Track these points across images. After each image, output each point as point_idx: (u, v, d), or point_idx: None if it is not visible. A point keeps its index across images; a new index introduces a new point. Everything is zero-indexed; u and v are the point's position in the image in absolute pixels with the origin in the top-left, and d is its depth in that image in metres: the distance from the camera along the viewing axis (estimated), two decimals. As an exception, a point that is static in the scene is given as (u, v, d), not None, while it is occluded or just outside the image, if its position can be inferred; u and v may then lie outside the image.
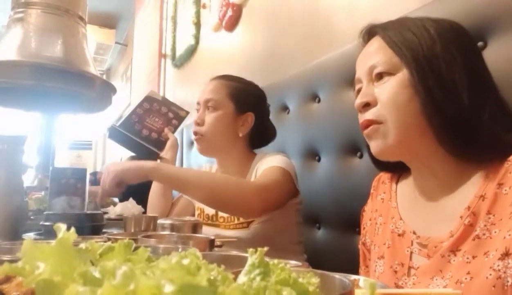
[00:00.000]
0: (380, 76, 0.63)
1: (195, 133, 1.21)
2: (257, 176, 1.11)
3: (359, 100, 0.65)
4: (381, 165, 0.74)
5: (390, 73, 0.62)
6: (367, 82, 0.66)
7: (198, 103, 1.23)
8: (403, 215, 0.69)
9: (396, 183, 0.74)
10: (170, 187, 1.03)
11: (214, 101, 1.18)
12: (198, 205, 1.28)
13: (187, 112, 1.53)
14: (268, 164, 1.10)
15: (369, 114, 0.64)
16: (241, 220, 1.13)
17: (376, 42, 0.66)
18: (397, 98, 0.61)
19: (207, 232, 1.15)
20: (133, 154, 1.55)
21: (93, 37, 5.48)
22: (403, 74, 0.61)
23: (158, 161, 1.41)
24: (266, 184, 1.02)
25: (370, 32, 0.69)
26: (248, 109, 1.21)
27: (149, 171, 1.00)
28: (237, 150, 1.22)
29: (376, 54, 0.64)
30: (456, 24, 0.63)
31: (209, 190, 1.00)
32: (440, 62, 0.59)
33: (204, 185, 1.01)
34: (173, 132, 1.45)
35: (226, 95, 1.19)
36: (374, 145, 0.64)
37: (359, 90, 0.67)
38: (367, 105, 0.64)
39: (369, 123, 0.64)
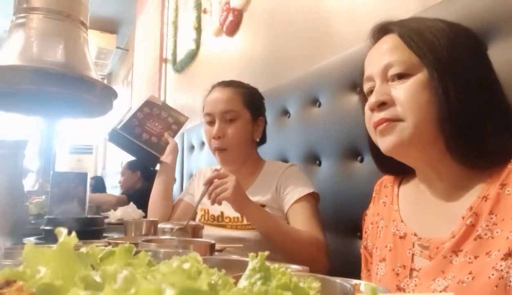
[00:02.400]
0: (397, 76, 0.62)
1: (220, 148, 1.19)
2: (281, 192, 1.13)
3: (374, 99, 0.63)
4: (384, 167, 0.74)
5: (408, 73, 0.61)
6: (381, 81, 0.64)
7: (209, 115, 1.20)
8: (405, 217, 0.69)
9: (398, 187, 0.74)
10: (255, 223, 1.05)
11: (234, 112, 1.18)
12: (201, 205, 1.28)
13: (187, 118, 1.54)
14: (299, 188, 1.11)
15: (387, 113, 0.62)
16: None
17: (391, 40, 0.64)
18: (417, 99, 0.60)
19: (213, 232, 1.15)
20: (132, 159, 1.55)
21: (94, 42, 5.51)
22: (423, 75, 0.60)
23: (158, 164, 1.41)
24: (321, 236, 1.06)
25: (384, 30, 0.67)
26: (260, 113, 1.24)
27: (249, 203, 1.02)
28: (251, 155, 1.25)
29: (392, 52, 0.63)
30: (467, 28, 0.63)
31: (291, 244, 1.02)
32: (459, 66, 0.59)
33: (286, 235, 1.03)
34: (173, 137, 1.45)
35: (242, 104, 1.19)
36: (387, 141, 0.63)
37: (370, 89, 0.66)
38: (382, 104, 0.63)
39: (385, 121, 0.62)
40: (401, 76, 0.61)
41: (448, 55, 0.59)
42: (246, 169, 1.24)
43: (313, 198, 1.12)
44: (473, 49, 0.61)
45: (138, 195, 2.64)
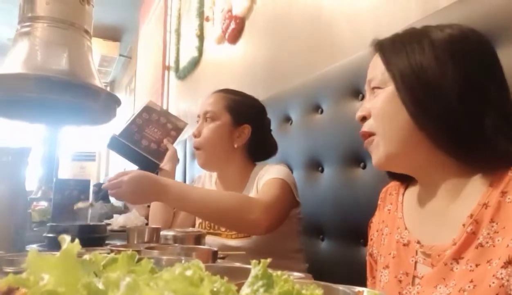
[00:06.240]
0: (374, 90, 0.66)
1: (194, 146, 1.25)
2: (259, 189, 1.12)
3: (357, 113, 0.69)
4: (390, 172, 0.75)
5: (380, 87, 0.65)
6: (368, 95, 0.69)
7: (198, 116, 1.26)
8: (408, 224, 0.69)
9: (403, 194, 0.75)
10: (177, 208, 1.05)
11: (212, 113, 1.21)
12: None
13: (186, 124, 1.52)
14: (268, 176, 1.11)
15: (365, 127, 0.67)
16: None
17: (377, 57, 0.68)
18: (384, 111, 0.64)
19: (209, 241, 1.15)
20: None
21: (98, 49, 5.54)
22: (390, 88, 0.63)
23: (158, 172, 1.40)
24: (271, 202, 1.03)
25: (374, 47, 0.71)
26: (245, 121, 1.22)
27: (157, 195, 1.01)
28: (235, 162, 1.23)
29: (374, 69, 0.67)
30: (458, 31, 0.63)
31: (216, 209, 1.02)
32: (429, 74, 0.60)
33: (210, 205, 1.02)
34: (172, 143, 1.44)
35: (223, 107, 1.21)
36: (372, 159, 0.67)
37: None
38: (364, 119, 0.67)
39: (364, 134, 0.67)
40: (375, 89, 0.66)
41: (417, 67, 0.60)
42: (233, 175, 1.24)
43: (282, 183, 1.09)
44: (458, 54, 0.60)
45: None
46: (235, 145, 1.20)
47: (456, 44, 0.61)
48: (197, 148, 1.23)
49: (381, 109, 0.64)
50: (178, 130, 1.49)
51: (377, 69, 0.66)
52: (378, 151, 0.65)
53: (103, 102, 1.42)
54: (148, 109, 1.48)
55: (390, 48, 0.65)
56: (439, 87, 0.59)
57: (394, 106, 0.62)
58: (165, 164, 1.37)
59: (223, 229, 1.17)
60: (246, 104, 1.26)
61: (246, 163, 1.24)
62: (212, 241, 1.15)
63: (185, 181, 2.66)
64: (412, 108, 0.60)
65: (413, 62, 0.61)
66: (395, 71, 0.63)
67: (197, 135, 1.23)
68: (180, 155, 2.75)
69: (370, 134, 0.66)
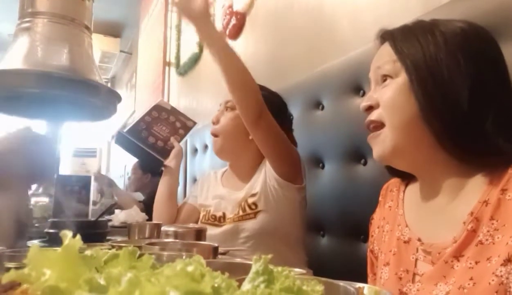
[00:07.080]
0: (383, 79, 0.65)
1: (211, 133, 1.28)
2: (267, 174, 1.16)
3: (363, 103, 0.67)
4: (391, 169, 0.74)
5: (391, 76, 0.64)
6: (374, 85, 0.68)
7: (220, 104, 1.30)
8: (409, 222, 0.69)
9: (404, 191, 0.74)
10: (219, 63, 1.18)
11: (232, 103, 1.24)
12: (204, 207, 1.30)
13: (194, 123, 1.56)
14: None
15: (372, 116, 0.66)
16: (247, 211, 1.14)
17: (386, 46, 0.67)
18: (395, 101, 0.63)
19: (213, 231, 1.17)
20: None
21: (98, 45, 5.53)
22: (402, 79, 0.62)
23: (162, 168, 1.43)
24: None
25: (382, 37, 0.70)
26: None
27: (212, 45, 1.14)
28: (248, 153, 1.24)
29: (383, 57, 0.66)
30: (469, 27, 0.63)
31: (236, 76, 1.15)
32: (442, 68, 0.59)
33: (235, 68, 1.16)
34: (179, 141, 1.48)
35: None
36: (374, 152, 0.67)
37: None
38: (370, 108, 0.66)
39: (371, 123, 0.66)
40: (386, 78, 0.64)
41: (430, 60, 0.60)
42: (244, 165, 1.26)
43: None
44: (468, 50, 0.60)
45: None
46: (250, 137, 1.22)
47: (468, 41, 0.61)
48: (214, 135, 1.27)
49: (392, 99, 0.63)
50: (187, 128, 1.53)
51: (386, 58, 0.65)
52: (384, 143, 0.64)
53: (104, 98, 1.42)
54: (158, 108, 1.53)
55: (401, 38, 0.64)
56: (450, 83, 0.59)
57: (405, 97, 0.61)
58: (170, 161, 1.41)
59: (228, 221, 1.18)
60: (264, 98, 1.27)
61: (258, 156, 1.25)
62: (216, 230, 1.17)
63: (185, 180, 2.66)
64: (423, 101, 0.60)
65: (427, 54, 0.60)
66: (408, 62, 0.62)
67: (215, 122, 1.26)
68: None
69: (379, 123, 0.65)
